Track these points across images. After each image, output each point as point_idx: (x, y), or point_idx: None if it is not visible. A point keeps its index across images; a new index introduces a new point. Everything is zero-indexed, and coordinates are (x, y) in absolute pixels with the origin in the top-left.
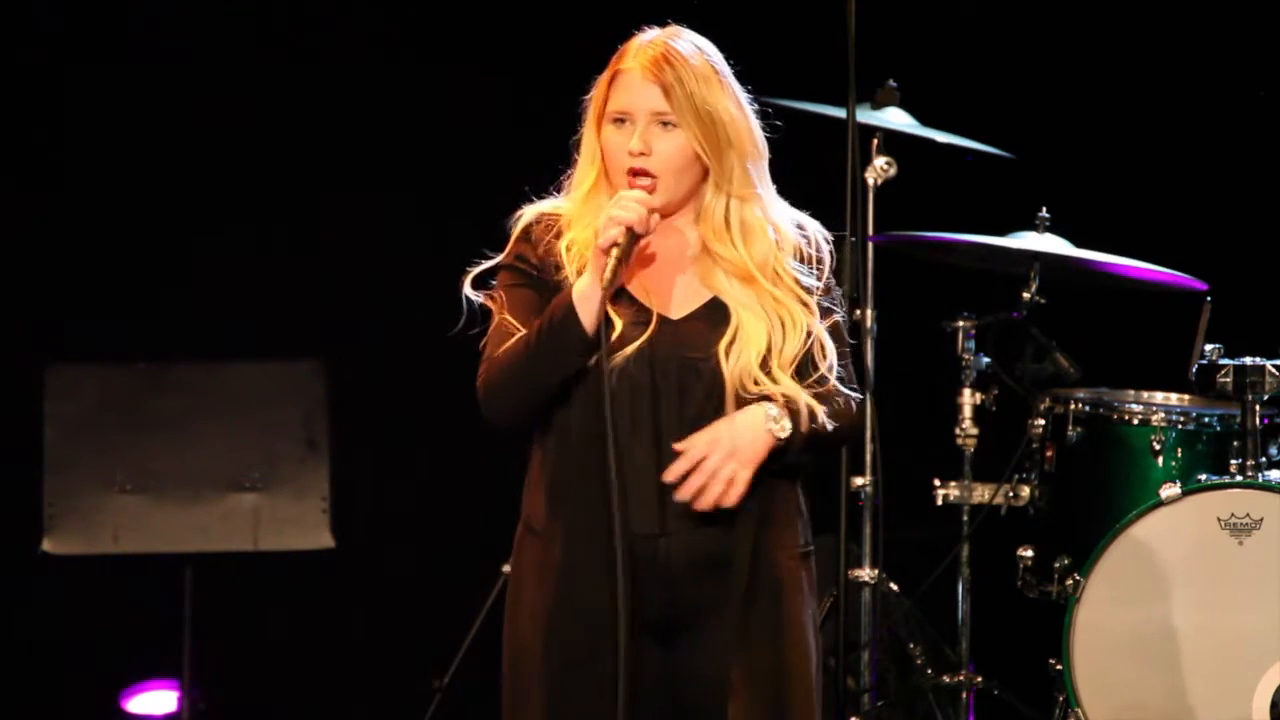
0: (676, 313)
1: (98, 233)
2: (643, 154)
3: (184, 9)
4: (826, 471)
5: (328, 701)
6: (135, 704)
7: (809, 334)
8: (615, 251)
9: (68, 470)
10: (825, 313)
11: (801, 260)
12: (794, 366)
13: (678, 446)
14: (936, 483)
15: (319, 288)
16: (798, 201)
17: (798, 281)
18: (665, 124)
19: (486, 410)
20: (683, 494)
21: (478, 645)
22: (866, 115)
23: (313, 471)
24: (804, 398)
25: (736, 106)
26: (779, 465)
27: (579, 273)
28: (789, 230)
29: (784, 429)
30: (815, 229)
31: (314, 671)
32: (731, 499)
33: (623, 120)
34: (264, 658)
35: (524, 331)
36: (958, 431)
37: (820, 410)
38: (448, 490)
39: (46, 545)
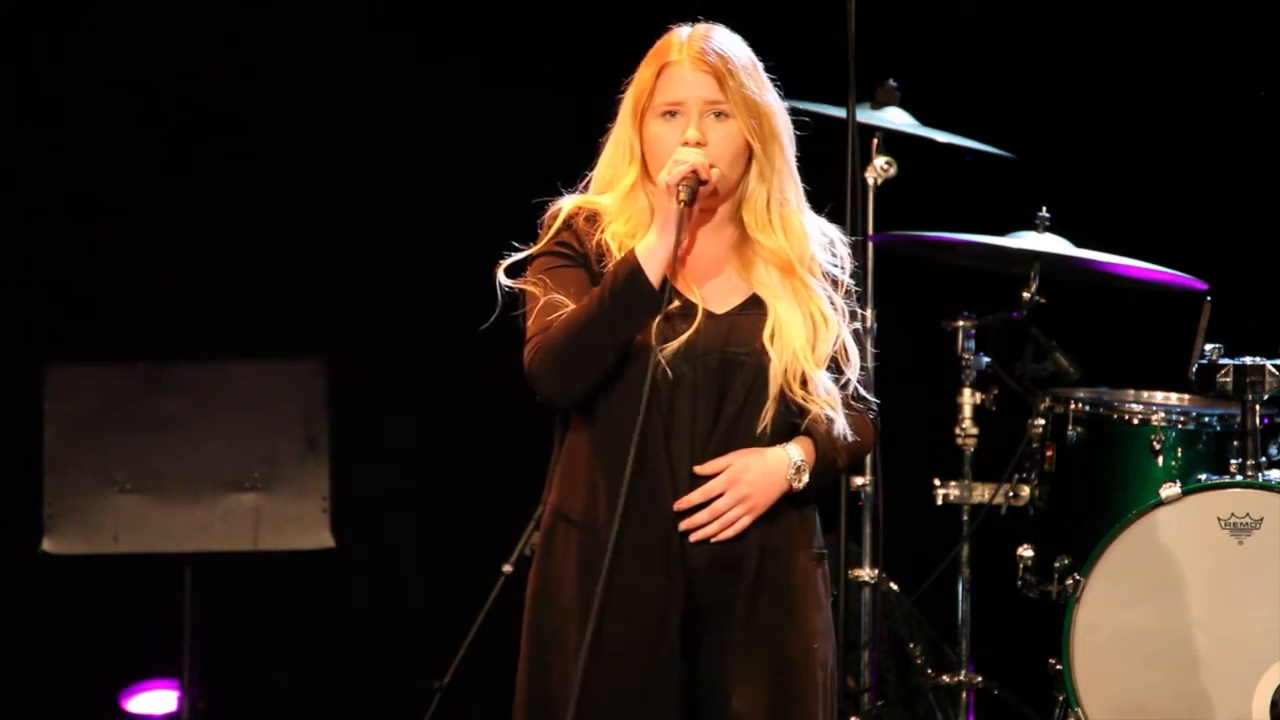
0: (719, 307)
1: (98, 232)
2: (699, 144)
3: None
4: None
5: (328, 701)
6: (135, 704)
7: (838, 336)
8: (685, 184)
9: (68, 470)
10: (849, 316)
11: (828, 257)
12: (825, 364)
13: (700, 470)
14: (936, 483)
15: (319, 288)
16: None
17: (826, 275)
18: (718, 114)
19: (543, 380)
20: (686, 525)
21: (478, 645)
22: (866, 115)
23: (313, 471)
24: (838, 418)
25: (776, 101)
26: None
27: None
28: (817, 232)
29: (801, 482)
30: (836, 234)
31: (314, 671)
32: (727, 536)
33: (673, 114)
34: (264, 658)
35: (574, 306)
36: (958, 431)
37: (849, 434)
38: (448, 490)
39: (46, 545)
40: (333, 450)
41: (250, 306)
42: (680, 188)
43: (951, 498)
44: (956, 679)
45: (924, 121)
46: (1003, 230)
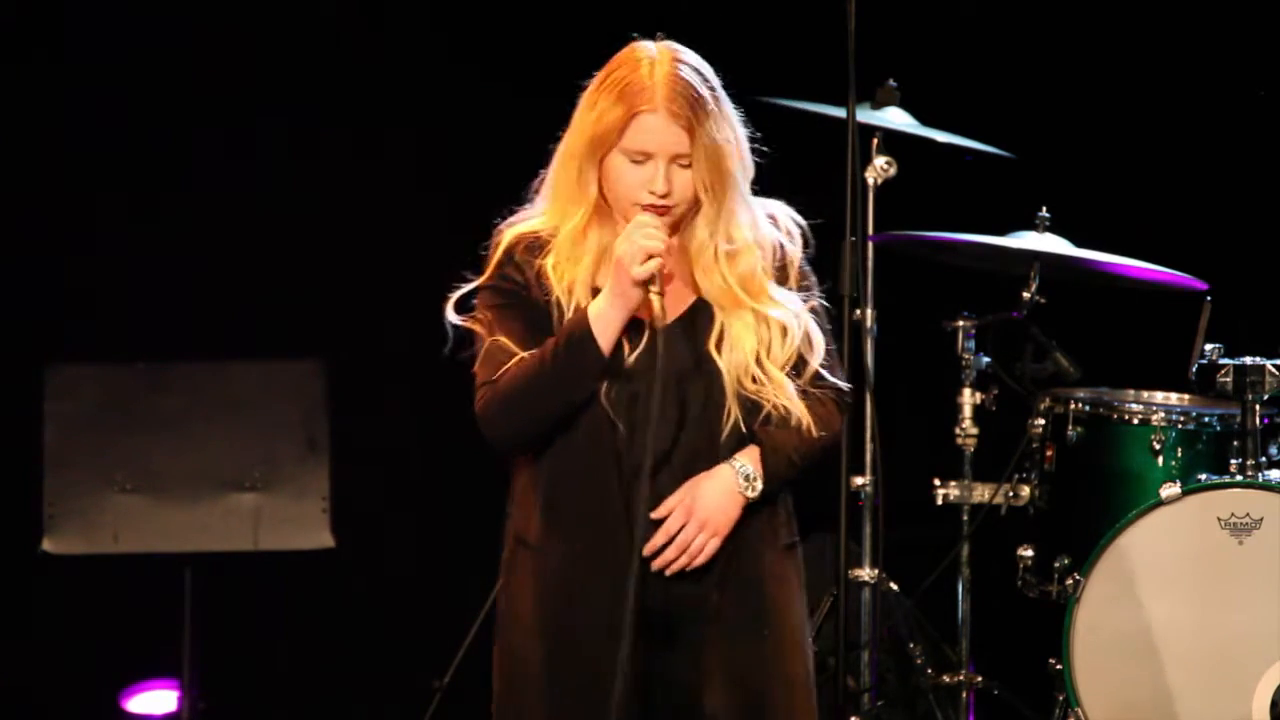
0: (667, 317)
1: (98, 232)
2: (664, 196)
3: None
4: (826, 471)
5: (328, 701)
6: (135, 704)
7: (793, 337)
8: (654, 285)
9: (68, 470)
10: (803, 297)
11: (776, 257)
12: (786, 366)
13: (654, 515)
14: (936, 483)
15: (319, 288)
16: (797, 201)
17: (780, 277)
18: (684, 165)
19: (494, 434)
20: (658, 565)
21: (478, 645)
22: (866, 115)
23: (313, 471)
24: (798, 408)
25: (732, 130)
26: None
27: (568, 291)
28: (766, 230)
29: (755, 491)
30: (785, 214)
31: (314, 671)
32: (699, 564)
33: (642, 160)
34: (264, 658)
35: (520, 354)
36: (958, 431)
37: (811, 422)
38: (448, 490)
39: (46, 545)
40: (333, 450)
41: (250, 306)
42: (650, 289)
43: (951, 498)
44: (956, 679)
45: (924, 121)
46: (1003, 230)
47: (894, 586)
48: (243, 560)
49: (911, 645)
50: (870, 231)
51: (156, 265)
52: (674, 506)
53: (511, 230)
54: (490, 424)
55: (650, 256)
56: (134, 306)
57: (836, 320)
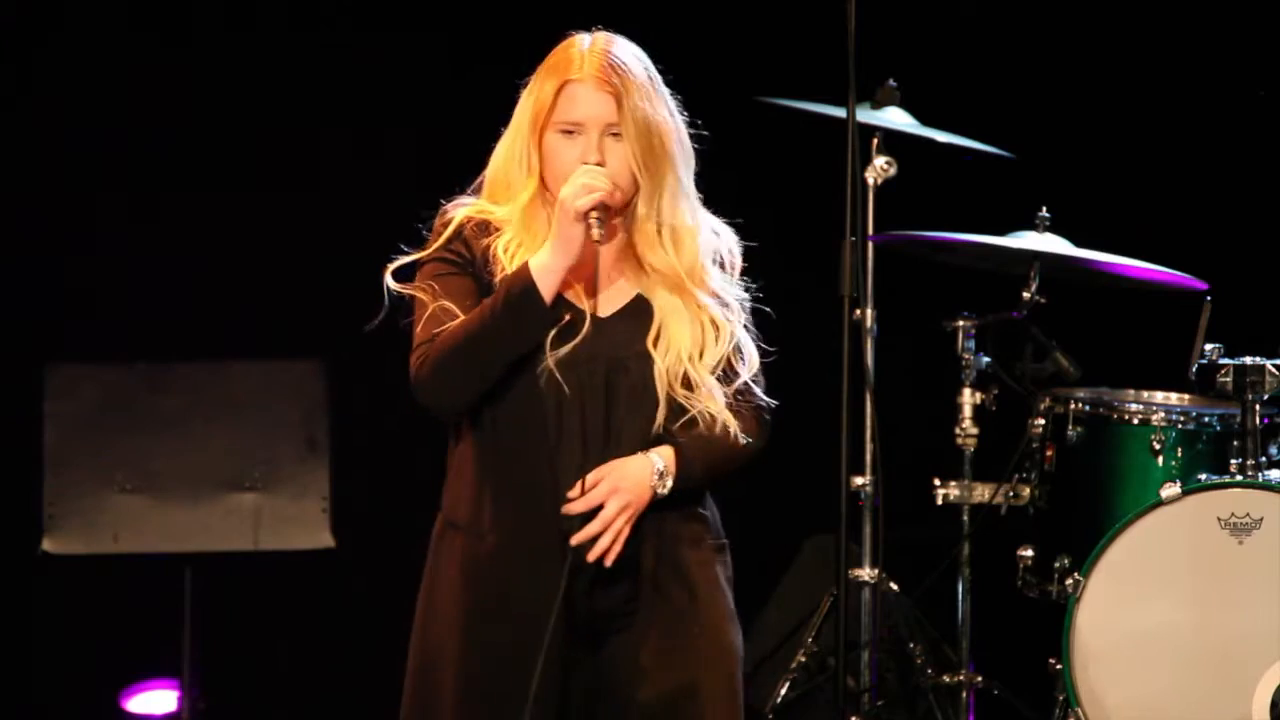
0: (604, 310)
1: (98, 232)
2: (599, 164)
3: None
4: (825, 470)
5: (328, 701)
6: (135, 704)
7: (731, 338)
8: (595, 216)
9: (68, 470)
10: (741, 313)
11: (721, 266)
12: (717, 370)
13: (572, 494)
14: (936, 483)
15: (319, 288)
16: (797, 201)
17: (720, 282)
18: (615, 135)
19: (430, 390)
20: (578, 539)
21: None
22: (866, 115)
23: (313, 471)
24: (724, 414)
25: (669, 114)
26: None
27: None
28: (709, 236)
29: (665, 488)
30: (728, 234)
31: (314, 671)
32: (618, 550)
33: (572, 131)
34: (264, 658)
35: (464, 316)
36: (958, 431)
37: (736, 429)
38: None
39: (46, 545)
40: (333, 450)
41: (250, 306)
42: (592, 222)
43: (951, 498)
44: (956, 679)
45: (924, 121)
46: (1003, 230)
47: (894, 586)
48: (243, 560)
49: (911, 645)
50: (870, 231)
51: (156, 265)
52: (596, 482)
53: (462, 210)
54: (426, 381)
55: (592, 191)
56: (134, 306)
57: (836, 320)
